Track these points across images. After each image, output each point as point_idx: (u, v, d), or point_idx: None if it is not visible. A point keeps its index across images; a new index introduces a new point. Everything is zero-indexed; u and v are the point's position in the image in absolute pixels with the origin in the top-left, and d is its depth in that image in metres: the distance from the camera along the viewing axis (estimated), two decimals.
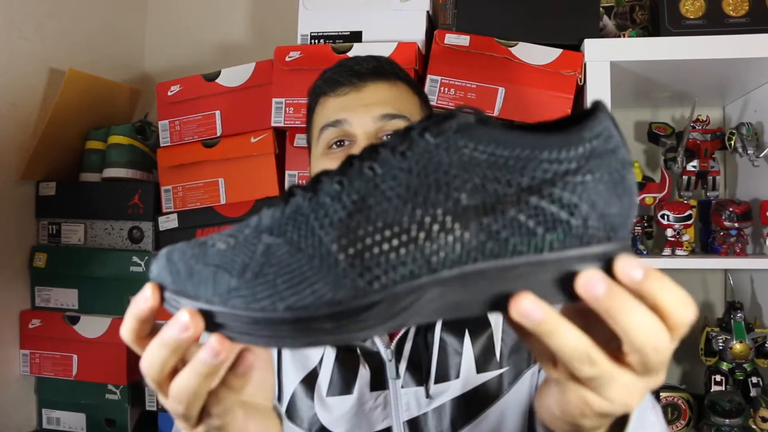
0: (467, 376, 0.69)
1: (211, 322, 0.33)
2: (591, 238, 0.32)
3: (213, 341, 0.33)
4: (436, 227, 0.31)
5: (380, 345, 0.69)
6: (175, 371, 0.36)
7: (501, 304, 0.32)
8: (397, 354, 0.69)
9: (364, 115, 0.69)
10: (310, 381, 0.70)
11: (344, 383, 0.69)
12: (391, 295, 0.31)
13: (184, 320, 0.33)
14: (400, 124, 0.69)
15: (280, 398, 0.70)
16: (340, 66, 0.74)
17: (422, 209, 0.31)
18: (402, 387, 0.68)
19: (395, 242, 0.31)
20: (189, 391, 0.35)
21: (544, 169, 0.31)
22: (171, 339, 0.34)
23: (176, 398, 0.36)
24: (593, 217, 0.32)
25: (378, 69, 0.73)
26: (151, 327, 0.36)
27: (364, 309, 0.31)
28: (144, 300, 0.35)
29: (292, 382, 0.70)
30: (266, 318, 0.31)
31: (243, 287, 0.32)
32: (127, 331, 0.36)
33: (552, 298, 0.32)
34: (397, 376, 0.68)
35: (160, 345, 0.35)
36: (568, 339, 0.31)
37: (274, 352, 0.71)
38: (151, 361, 0.35)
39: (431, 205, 0.31)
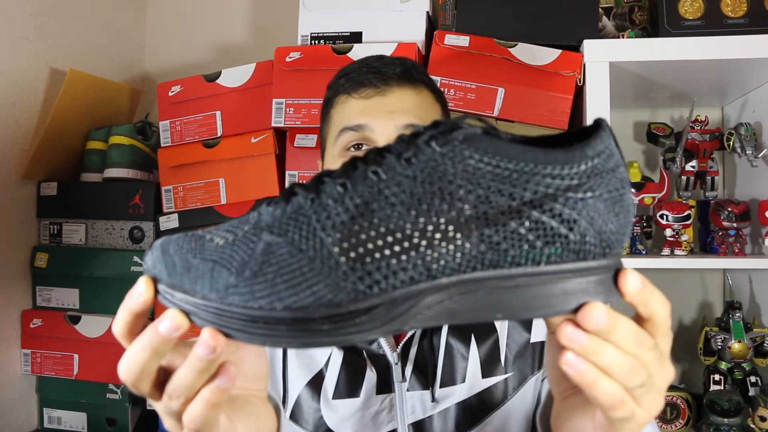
0: (473, 380, 0.69)
1: (203, 319, 0.33)
2: (587, 254, 0.33)
3: (206, 337, 0.33)
4: (438, 236, 0.31)
5: (386, 348, 0.68)
6: (159, 373, 0.36)
7: (495, 313, 0.32)
8: (403, 357, 0.69)
9: (386, 122, 0.66)
10: (316, 383, 0.70)
11: (351, 386, 0.68)
12: (389, 300, 0.31)
13: (168, 324, 0.33)
14: None
15: (285, 400, 0.70)
16: (366, 66, 0.70)
17: (425, 217, 0.32)
18: (408, 390, 0.68)
19: (397, 248, 0.31)
20: (186, 386, 0.35)
21: (546, 184, 0.32)
22: (153, 342, 0.34)
23: (173, 395, 0.35)
24: (591, 233, 0.33)
25: (405, 74, 0.70)
26: (144, 322, 0.36)
27: (362, 312, 0.31)
28: (138, 294, 0.35)
29: (298, 384, 0.70)
30: (264, 317, 0.31)
31: (242, 285, 0.32)
32: (120, 325, 0.36)
33: (545, 311, 0.33)
34: (403, 379, 0.68)
35: (141, 349, 0.34)
36: (606, 388, 0.34)
37: (280, 354, 0.71)
38: (131, 364, 0.35)
39: (434, 214, 0.32)
